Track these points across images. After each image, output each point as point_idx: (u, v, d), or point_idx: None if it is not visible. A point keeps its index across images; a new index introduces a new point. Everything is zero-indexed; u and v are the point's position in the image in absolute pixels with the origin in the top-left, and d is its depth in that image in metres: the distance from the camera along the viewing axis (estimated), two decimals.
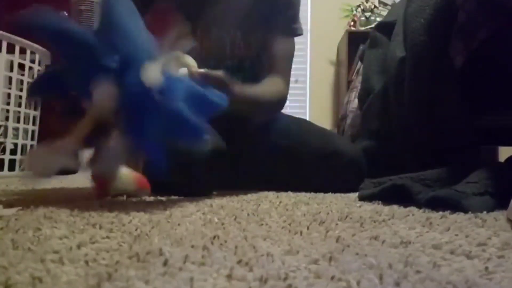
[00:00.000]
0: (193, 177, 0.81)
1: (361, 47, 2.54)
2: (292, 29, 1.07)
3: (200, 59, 1.07)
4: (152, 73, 0.57)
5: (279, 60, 1.05)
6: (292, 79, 1.11)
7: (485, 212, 0.57)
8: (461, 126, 0.85)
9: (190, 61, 0.71)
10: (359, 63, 2.54)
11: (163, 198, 0.74)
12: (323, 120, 2.89)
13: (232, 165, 0.94)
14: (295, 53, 1.10)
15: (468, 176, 0.67)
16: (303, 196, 0.83)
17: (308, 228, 0.43)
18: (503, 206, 0.60)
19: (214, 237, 0.37)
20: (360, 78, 1.42)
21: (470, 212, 0.56)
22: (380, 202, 0.71)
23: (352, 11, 2.85)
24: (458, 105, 0.84)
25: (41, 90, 0.67)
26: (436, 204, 0.60)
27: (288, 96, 1.06)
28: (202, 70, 0.72)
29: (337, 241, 0.37)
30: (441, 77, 0.85)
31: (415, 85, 0.90)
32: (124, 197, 0.74)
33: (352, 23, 2.82)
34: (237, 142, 1.00)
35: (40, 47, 1.79)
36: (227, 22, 1.03)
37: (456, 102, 0.84)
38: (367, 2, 2.83)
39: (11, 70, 1.68)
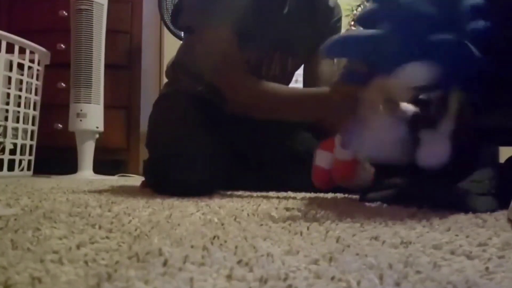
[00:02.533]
0: (194, 177, 0.81)
1: None
2: None
3: None
4: None
5: (324, 80, 1.08)
6: (293, 78, 1.13)
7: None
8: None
9: None
10: None
11: (163, 198, 0.74)
12: None
13: (232, 165, 0.95)
14: None
15: (472, 175, 0.67)
16: (303, 196, 0.83)
17: (308, 228, 0.43)
18: (503, 206, 0.60)
19: (214, 237, 0.37)
20: None
21: (470, 212, 0.56)
22: (380, 202, 0.70)
23: (353, 10, 2.85)
24: None
25: (342, 50, 0.59)
26: (440, 203, 0.60)
27: None
28: None
29: (337, 241, 0.37)
30: None
31: None
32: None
33: (352, 23, 2.82)
34: (238, 143, 1.00)
35: (39, 47, 1.79)
36: (271, 46, 1.00)
37: None
38: (367, 2, 2.83)
39: (11, 70, 1.68)
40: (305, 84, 1.11)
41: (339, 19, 1.10)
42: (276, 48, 1.01)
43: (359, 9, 2.81)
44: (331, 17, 1.08)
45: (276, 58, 1.00)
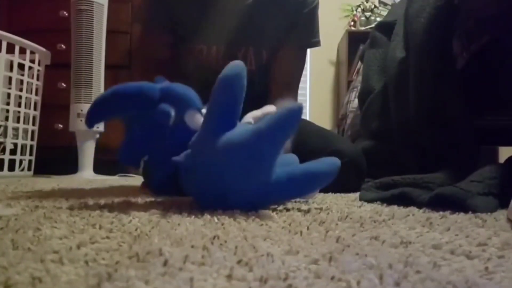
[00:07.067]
0: None
1: (361, 47, 2.54)
2: (308, 42, 1.07)
3: (211, 76, 1.05)
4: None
5: (290, 76, 1.05)
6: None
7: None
8: (462, 127, 0.85)
9: None
10: (359, 63, 2.54)
11: (163, 198, 0.74)
12: (323, 120, 2.89)
13: None
14: None
15: (472, 175, 0.67)
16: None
17: (308, 228, 0.43)
18: (503, 206, 0.60)
19: (214, 237, 0.37)
20: (360, 78, 1.42)
21: (470, 212, 0.56)
22: (380, 202, 0.71)
23: (352, 11, 2.85)
24: (460, 106, 0.84)
25: None
26: (440, 203, 0.60)
27: None
28: None
29: (337, 241, 0.37)
30: (444, 77, 0.85)
31: (419, 86, 0.90)
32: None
33: (352, 23, 2.82)
34: None
35: (40, 47, 1.79)
36: (239, 38, 1.00)
37: (459, 103, 0.84)
38: (367, 2, 2.83)
39: (11, 70, 1.68)
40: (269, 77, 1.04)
41: (315, 8, 1.07)
42: (247, 42, 1.00)
43: (359, 9, 2.81)
44: (303, 5, 1.04)
45: (250, 53, 1.00)
